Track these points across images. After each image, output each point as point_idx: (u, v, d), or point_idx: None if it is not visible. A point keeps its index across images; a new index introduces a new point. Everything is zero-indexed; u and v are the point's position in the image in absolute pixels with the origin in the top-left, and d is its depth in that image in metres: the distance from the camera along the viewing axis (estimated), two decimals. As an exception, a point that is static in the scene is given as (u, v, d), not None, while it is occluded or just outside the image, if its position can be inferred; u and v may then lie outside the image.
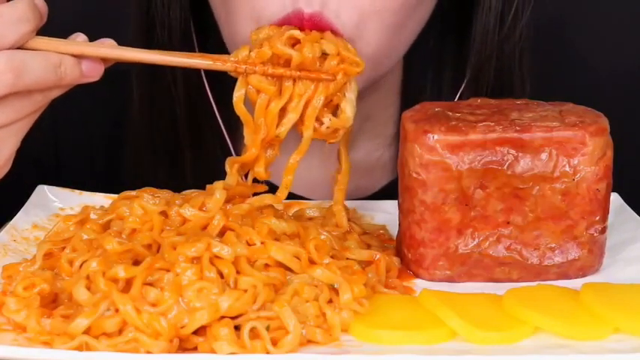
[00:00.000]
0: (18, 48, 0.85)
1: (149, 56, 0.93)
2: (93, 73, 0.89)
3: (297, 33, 0.96)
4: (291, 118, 0.95)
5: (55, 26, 0.90)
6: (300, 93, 0.95)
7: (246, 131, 0.97)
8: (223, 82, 1.18)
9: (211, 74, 1.17)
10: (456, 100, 1.18)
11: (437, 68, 1.22)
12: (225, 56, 0.95)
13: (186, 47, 1.15)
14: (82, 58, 0.88)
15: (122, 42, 0.93)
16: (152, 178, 1.12)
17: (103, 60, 0.90)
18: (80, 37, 0.90)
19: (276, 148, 0.98)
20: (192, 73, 1.17)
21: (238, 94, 0.96)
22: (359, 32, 1.01)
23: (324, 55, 0.96)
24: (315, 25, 0.98)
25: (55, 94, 0.89)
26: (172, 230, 0.90)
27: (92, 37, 0.91)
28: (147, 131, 1.20)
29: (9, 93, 0.84)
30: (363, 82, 1.07)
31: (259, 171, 0.98)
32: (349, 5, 0.99)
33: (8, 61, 0.83)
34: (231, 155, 1.19)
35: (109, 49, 0.90)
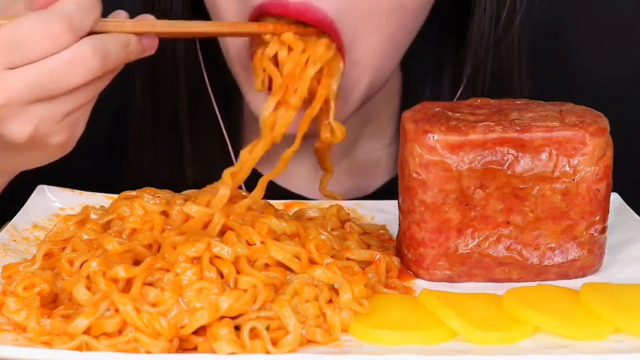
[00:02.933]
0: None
1: (199, 28, 0.97)
2: (151, 46, 0.92)
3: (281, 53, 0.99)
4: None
5: None
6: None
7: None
8: (223, 76, 1.18)
9: (212, 69, 1.18)
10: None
11: (436, 70, 1.22)
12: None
13: (187, 42, 1.16)
14: (141, 35, 0.91)
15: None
16: (152, 172, 1.12)
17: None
18: (121, 14, 0.92)
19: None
20: (194, 65, 1.17)
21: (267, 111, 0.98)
22: (355, 35, 1.01)
23: None
24: (301, 14, 0.98)
25: (116, 72, 0.92)
26: (173, 230, 0.90)
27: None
28: (148, 123, 1.21)
29: (95, 77, 0.86)
30: (365, 91, 1.07)
31: None
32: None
33: (93, 47, 0.86)
34: (227, 147, 1.20)
35: (166, 24, 0.94)
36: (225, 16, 1.05)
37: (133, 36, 0.90)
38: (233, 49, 1.06)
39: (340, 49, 1.01)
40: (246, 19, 1.01)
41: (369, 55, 1.04)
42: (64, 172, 1.26)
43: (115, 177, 1.24)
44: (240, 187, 1.00)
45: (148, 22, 0.92)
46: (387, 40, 1.04)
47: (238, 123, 1.21)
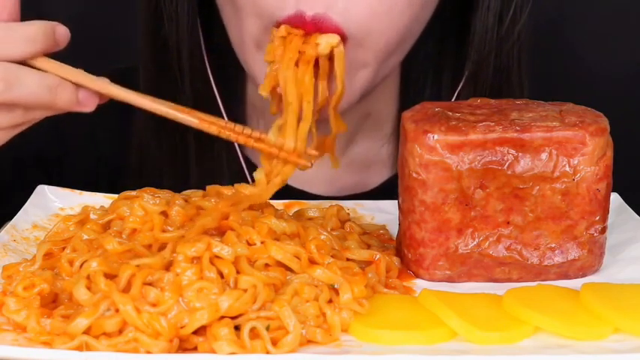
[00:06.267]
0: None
1: (146, 104, 0.93)
2: (88, 102, 0.90)
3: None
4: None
5: (63, 23, 0.90)
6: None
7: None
8: (229, 79, 1.18)
9: (217, 70, 1.18)
10: (454, 98, 1.19)
11: (436, 67, 1.22)
12: (213, 118, 0.95)
13: (192, 42, 1.16)
14: (79, 86, 0.89)
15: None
16: (157, 171, 1.12)
17: (99, 95, 0.91)
18: (104, 80, 0.91)
19: None
20: (199, 68, 1.17)
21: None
22: (366, 35, 1.01)
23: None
24: (318, 27, 0.98)
25: (41, 113, 0.89)
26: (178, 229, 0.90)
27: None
28: (152, 122, 1.21)
29: None
30: (366, 85, 1.07)
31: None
32: (358, 6, 1.00)
33: (2, 70, 0.84)
34: (235, 150, 1.20)
35: (104, 84, 0.90)
36: (246, 33, 1.04)
37: (67, 82, 0.88)
38: (246, 39, 1.06)
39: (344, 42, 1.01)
40: (267, 32, 1.01)
41: (375, 53, 1.04)
42: (65, 172, 1.26)
43: (118, 177, 1.24)
44: None
45: (87, 75, 0.89)
46: (395, 38, 1.05)
47: (242, 121, 1.21)
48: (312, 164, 0.97)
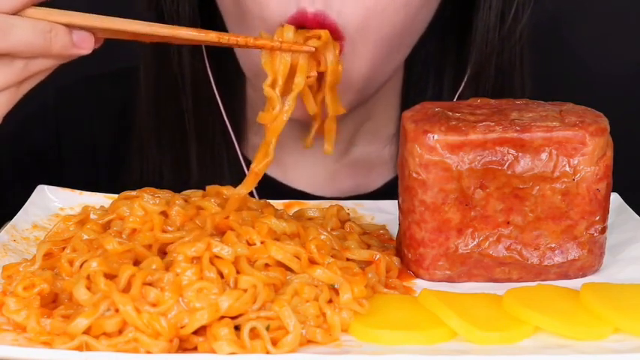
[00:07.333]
0: None
1: (140, 27, 0.92)
2: (84, 44, 0.90)
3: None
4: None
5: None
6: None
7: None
8: (230, 79, 1.18)
9: (218, 71, 1.18)
10: (456, 98, 1.19)
11: (437, 69, 1.22)
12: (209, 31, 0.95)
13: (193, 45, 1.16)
14: (72, 28, 0.89)
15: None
16: (157, 172, 1.12)
17: (95, 37, 0.91)
18: None
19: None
20: (200, 68, 1.17)
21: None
22: (362, 34, 1.01)
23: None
24: (320, 23, 0.99)
25: (41, 64, 0.89)
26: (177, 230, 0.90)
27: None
28: (153, 123, 1.21)
29: None
30: (367, 89, 1.07)
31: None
32: (353, 4, 1.00)
33: None
34: (235, 149, 1.20)
35: (98, 18, 0.90)
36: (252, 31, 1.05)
37: (59, 25, 0.88)
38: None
39: (340, 48, 1.01)
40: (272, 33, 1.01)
41: (371, 50, 1.04)
42: (65, 172, 1.26)
43: (119, 178, 1.24)
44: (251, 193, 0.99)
45: (79, 14, 0.89)
46: (390, 38, 1.05)
47: (242, 122, 1.21)
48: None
